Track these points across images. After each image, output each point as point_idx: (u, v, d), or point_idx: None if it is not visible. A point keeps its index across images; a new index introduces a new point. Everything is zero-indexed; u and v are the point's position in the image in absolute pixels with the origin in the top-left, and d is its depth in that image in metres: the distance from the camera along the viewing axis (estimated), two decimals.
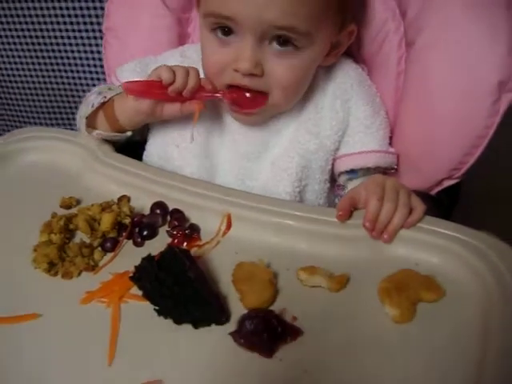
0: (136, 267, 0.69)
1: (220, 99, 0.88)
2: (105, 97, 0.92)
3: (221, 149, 0.95)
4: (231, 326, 0.67)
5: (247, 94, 0.86)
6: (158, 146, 0.97)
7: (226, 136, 0.95)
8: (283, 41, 0.81)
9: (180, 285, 0.66)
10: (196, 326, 0.67)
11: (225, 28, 0.83)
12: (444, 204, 0.96)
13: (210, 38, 0.85)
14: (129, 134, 0.94)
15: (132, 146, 0.99)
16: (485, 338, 0.63)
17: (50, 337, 0.67)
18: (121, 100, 0.91)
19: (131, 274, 0.70)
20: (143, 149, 1.00)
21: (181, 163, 0.94)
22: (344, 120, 0.93)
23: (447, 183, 0.94)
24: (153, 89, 0.86)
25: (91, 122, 0.94)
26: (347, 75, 0.95)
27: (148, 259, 0.69)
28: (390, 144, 0.96)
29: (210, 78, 0.89)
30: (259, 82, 0.84)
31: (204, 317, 0.67)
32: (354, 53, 0.99)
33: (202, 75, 0.88)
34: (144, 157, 0.99)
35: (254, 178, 0.94)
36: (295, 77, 0.85)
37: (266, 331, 0.64)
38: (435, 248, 0.75)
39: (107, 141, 0.95)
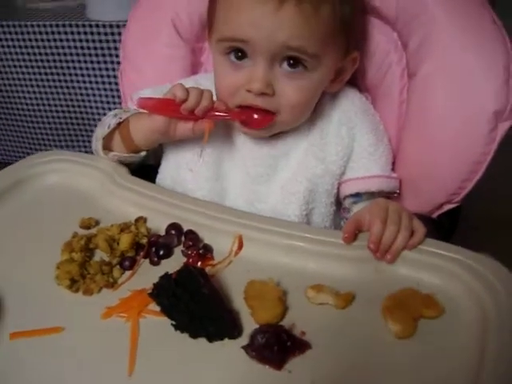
0: (154, 284, 0.72)
1: (231, 119, 0.92)
2: (120, 118, 0.95)
3: (231, 172, 0.98)
4: (243, 339, 0.69)
5: (255, 116, 0.90)
6: (172, 170, 1.00)
7: (236, 160, 0.98)
8: (293, 62, 0.85)
9: (195, 301, 0.69)
10: (210, 339, 0.69)
11: (238, 52, 0.87)
12: (444, 227, 0.98)
13: (223, 62, 0.90)
14: (143, 154, 0.96)
15: (145, 170, 1.02)
16: (481, 350, 0.66)
17: (72, 349, 0.69)
18: (136, 119, 0.94)
19: (150, 291, 0.72)
20: (156, 172, 1.03)
21: (193, 186, 0.97)
22: (349, 146, 0.96)
23: (447, 207, 0.97)
24: (167, 106, 0.89)
25: (107, 144, 0.97)
26: (352, 103, 0.98)
27: (165, 277, 0.72)
28: (393, 169, 0.99)
29: (223, 100, 0.92)
30: (270, 101, 0.88)
31: (218, 331, 0.69)
32: (359, 82, 1.02)
33: (214, 98, 0.91)
34: (157, 180, 1.02)
35: (263, 200, 0.96)
36: (304, 97, 0.89)
37: (277, 345, 0.66)
38: (435, 268, 0.77)
39: (123, 164, 0.98)
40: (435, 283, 0.77)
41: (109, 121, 0.97)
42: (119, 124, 0.95)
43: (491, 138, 0.89)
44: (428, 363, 0.67)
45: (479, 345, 0.67)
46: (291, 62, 0.86)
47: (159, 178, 1.03)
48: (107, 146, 0.97)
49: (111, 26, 1.98)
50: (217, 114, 0.90)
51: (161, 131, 0.92)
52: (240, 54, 0.87)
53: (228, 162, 0.98)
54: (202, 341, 0.70)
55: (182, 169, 0.99)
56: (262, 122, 0.90)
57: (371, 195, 0.97)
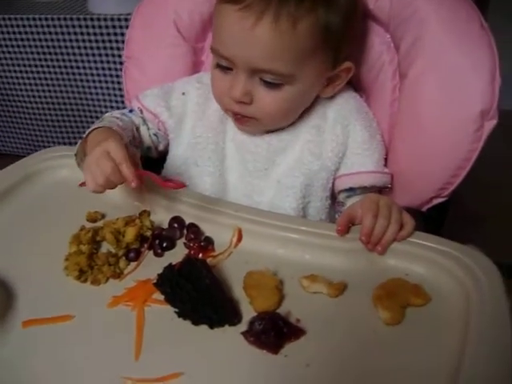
0: (159, 275, 0.76)
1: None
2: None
3: (232, 167, 1.01)
4: (242, 326, 0.72)
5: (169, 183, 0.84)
6: (177, 164, 1.04)
7: (237, 155, 1.01)
8: (269, 78, 0.89)
9: (197, 290, 0.72)
10: (212, 326, 0.72)
11: (224, 61, 0.91)
12: (433, 220, 1.02)
13: (214, 66, 0.95)
14: None
15: (149, 164, 1.03)
16: (464, 334, 0.69)
17: (82, 336, 0.72)
18: (93, 137, 0.90)
19: (154, 281, 0.76)
20: (159, 166, 1.07)
21: (196, 181, 1.00)
22: (344, 143, 0.99)
23: (436, 201, 1.00)
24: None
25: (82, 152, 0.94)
26: (347, 102, 1.01)
27: (169, 268, 0.76)
28: (385, 165, 1.02)
29: (216, 100, 0.98)
30: (248, 108, 0.92)
31: (219, 318, 0.72)
32: (354, 81, 1.05)
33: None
34: (163, 174, 1.05)
35: (261, 193, 1.00)
36: (279, 107, 0.93)
37: (273, 331, 0.70)
38: (423, 259, 0.80)
39: None
40: (423, 273, 0.80)
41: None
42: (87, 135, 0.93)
43: (478, 136, 0.92)
44: (416, 347, 0.70)
45: (463, 329, 0.70)
46: (267, 78, 0.89)
47: (164, 172, 1.06)
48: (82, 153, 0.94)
49: (112, 20, 2.00)
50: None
51: None
52: (225, 63, 0.91)
53: (229, 157, 1.02)
54: (204, 327, 0.73)
55: (187, 164, 1.02)
56: (177, 184, 0.84)
57: (364, 189, 1.00)
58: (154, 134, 1.06)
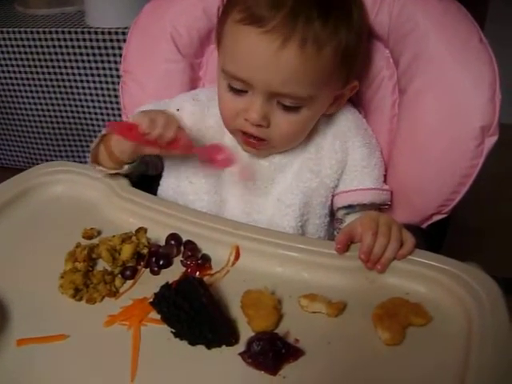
0: (155, 293, 0.75)
1: (194, 154, 0.94)
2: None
3: (230, 184, 1.00)
4: (240, 346, 0.71)
5: (219, 157, 0.93)
6: (173, 181, 1.03)
7: (235, 173, 0.99)
8: (288, 102, 0.88)
9: (195, 310, 0.71)
10: (209, 347, 0.72)
11: (239, 83, 0.89)
12: (433, 237, 1.00)
13: (225, 87, 0.92)
14: (126, 167, 0.96)
15: (146, 181, 1.05)
16: (466, 354, 0.68)
17: (76, 356, 0.72)
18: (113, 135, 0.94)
19: (151, 300, 0.75)
20: (156, 183, 1.06)
21: (193, 197, 0.99)
22: (343, 160, 0.98)
23: (436, 218, 0.99)
24: (132, 132, 0.87)
25: (96, 157, 0.98)
26: (346, 119, 1.00)
27: (166, 286, 0.75)
28: (385, 181, 1.01)
29: (225, 121, 0.96)
30: (264, 131, 0.91)
31: (216, 339, 0.71)
32: (353, 96, 1.03)
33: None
34: (159, 191, 1.04)
35: (260, 212, 0.99)
36: (297, 130, 0.93)
37: (272, 352, 0.69)
38: (424, 278, 0.79)
39: (125, 175, 0.99)
40: (423, 292, 0.79)
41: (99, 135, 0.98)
42: (104, 136, 0.97)
43: (478, 153, 0.91)
44: (417, 368, 0.69)
45: (464, 349, 0.69)
46: (286, 102, 0.88)
47: (160, 189, 1.05)
48: (95, 160, 0.99)
49: (110, 33, 2.00)
50: (180, 145, 0.90)
51: (127, 152, 0.94)
52: (240, 86, 0.89)
53: (227, 174, 1.00)
54: (201, 348, 0.72)
55: (182, 181, 1.01)
56: (225, 162, 0.93)
57: (363, 206, 0.99)
58: None
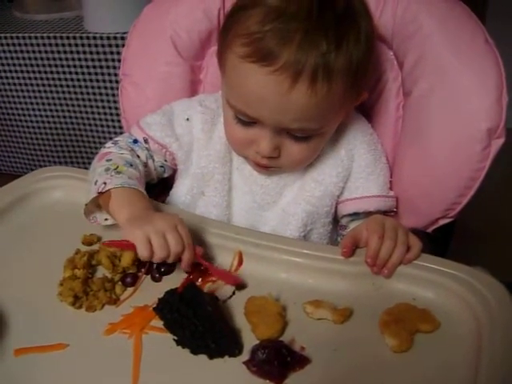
0: (159, 299, 0.74)
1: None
2: (104, 183, 0.87)
3: (239, 199, 0.99)
4: (244, 355, 0.70)
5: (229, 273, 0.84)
6: (183, 193, 1.02)
7: (245, 188, 0.99)
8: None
9: (198, 317, 0.70)
10: (211, 357, 0.70)
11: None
12: (439, 241, 1.00)
13: (231, 117, 0.89)
14: None
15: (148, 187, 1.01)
16: (476, 361, 0.67)
17: (76, 365, 0.70)
18: (117, 198, 0.85)
19: (154, 306, 0.74)
20: (158, 188, 1.05)
21: (202, 210, 0.98)
22: (348, 167, 0.96)
23: (442, 222, 0.98)
24: (132, 247, 0.78)
25: (90, 212, 0.91)
26: (350, 125, 0.98)
27: (171, 293, 0.73)
28: (390, 187, 1.00)
29: (234, 148, 0.95)
30: (276, 161, 0.90)
31: (219, 349, 0.70)
32: None
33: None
34: (167, 202, 1.04)
35: (265, 223, 0.98)
36: (308, 155, 0.92)
37: (277, 360, 0.68)
38: (431, 283, 0.78)
39: None
40: (431, 297, 0.78)
41: (97, 176, 0.90)
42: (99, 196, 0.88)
43: (485, 155, 0.90)
44: (425, 376, 0.68)
45: (474, 356, 0.68)
46: (297, 133, 0.86)
47: (169, 200, 1.04)
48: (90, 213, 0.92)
49: (109, 38, 1.99)
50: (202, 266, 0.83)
51: None
52: (248, 119, 0.87)
53: (237, 189, 1.00)
54: (204, 356, 0.71)
55: (193, 193, 1.00)
56: (233, 279, 0.83)
57: (369, 214, 0.96)
58: (161, 166, 1.03)
